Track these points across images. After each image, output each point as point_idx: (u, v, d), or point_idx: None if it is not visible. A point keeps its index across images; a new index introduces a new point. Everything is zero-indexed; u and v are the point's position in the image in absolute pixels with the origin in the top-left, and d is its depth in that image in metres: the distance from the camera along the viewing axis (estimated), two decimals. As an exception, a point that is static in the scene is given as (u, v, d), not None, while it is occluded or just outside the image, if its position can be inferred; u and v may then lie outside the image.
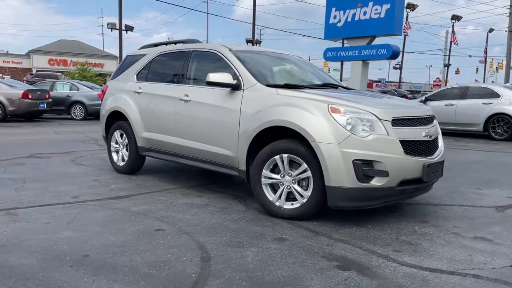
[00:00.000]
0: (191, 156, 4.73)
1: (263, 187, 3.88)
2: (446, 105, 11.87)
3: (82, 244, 3.10)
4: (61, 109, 16.11)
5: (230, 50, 4.59)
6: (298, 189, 3.71)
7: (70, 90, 16.48)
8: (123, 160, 5.69)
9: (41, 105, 14.46)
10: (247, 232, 3.42)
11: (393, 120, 3.59)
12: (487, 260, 2.96)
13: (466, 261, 2.94)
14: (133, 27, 22.43)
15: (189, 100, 4.66)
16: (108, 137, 5.95)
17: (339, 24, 16.11)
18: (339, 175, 3.43)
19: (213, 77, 4.19)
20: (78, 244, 3.10)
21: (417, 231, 3.57)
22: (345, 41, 17.58)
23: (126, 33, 22.37)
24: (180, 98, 4.75)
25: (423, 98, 12.65)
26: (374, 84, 56.95)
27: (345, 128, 3.45)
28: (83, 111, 15.89)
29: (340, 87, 4.88)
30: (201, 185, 5.12)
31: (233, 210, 4.08)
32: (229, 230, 3.47)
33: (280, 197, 3.81)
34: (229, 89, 4.28)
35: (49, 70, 46.49)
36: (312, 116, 3.59)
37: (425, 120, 3.94)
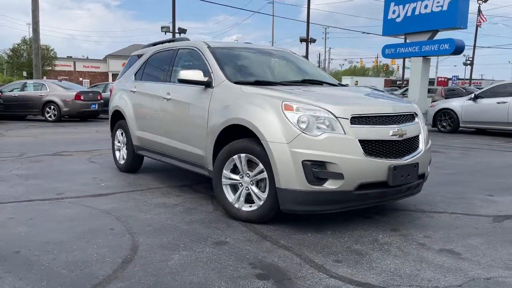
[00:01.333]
0: (173, 155, 4.68)
1: (224, 188, 3.73)
2: (498, 103, 10.82)
3: (24, 240, 3.14)
4: (113, 109, 16.83)
5: (208, 46, 4.47)
6: (256, 190, 3.52)
7: (122, 91, 17.19)
8: (123, 158, 5.78)
9: (92, 106, 15.24)
10: (192, 235, 3.30)
11: (352, 117, 3.27)
12: (435, 277, 2.59)
13: (409, 276, 2.60)
14: (185, 30, 23.02)
15: (170, 98, 4.62)
16: (112, 135, 6.09)
17: (398, 20, 15.38)
18: (289, 176, 3.19)
19: (183, 74, 4.10)
20: (20, 240, 3.15)
21: (378, 240, 3.23)
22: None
23: (180, 35, 22.98)
24: (163, 96, 4.72)
25: (473, 95, 11.64)
26: (450, 82, 53.76)
27: (296, 127, 3.20)
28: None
29: (326, 84, 4.58)
30: (188, 185, 5.05)
31: (199, 211, 3.96)
32: (177, 232, 3.36)
33: (239, 198, 3.64)
34: (203, 86, 4.17)
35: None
36: (266, 114, 3.38)
37: (396, 118, 3.54)
